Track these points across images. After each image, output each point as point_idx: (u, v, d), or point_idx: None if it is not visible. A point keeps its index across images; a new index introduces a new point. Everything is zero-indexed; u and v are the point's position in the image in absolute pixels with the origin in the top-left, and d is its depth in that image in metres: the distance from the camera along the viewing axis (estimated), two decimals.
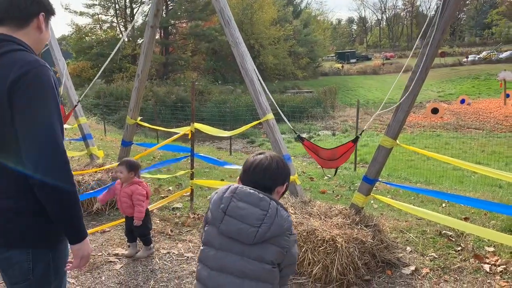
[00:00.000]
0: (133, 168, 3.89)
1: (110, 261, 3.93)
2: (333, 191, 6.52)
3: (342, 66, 52.61)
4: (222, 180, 7.11)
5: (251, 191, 1.77)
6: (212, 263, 1.78)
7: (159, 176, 6.37)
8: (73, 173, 5.28)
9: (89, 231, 4.49)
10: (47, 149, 1.57)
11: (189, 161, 5.39)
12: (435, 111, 20.78)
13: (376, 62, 55.27)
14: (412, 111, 23.81)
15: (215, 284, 1.76)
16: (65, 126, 7.66)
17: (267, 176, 1.81)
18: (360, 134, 4.07)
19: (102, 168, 5.61)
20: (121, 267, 3.83)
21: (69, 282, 3.48)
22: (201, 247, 1.85)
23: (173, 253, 4.14)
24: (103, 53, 31.80)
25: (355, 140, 3.92)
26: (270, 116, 4.39)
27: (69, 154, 7.28)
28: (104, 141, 13.24)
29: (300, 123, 21.32)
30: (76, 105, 6.06)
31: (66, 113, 6.07)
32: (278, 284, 1.82)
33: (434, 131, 17.80)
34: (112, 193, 4.06)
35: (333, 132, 19.29)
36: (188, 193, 5.62)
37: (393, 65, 49.97)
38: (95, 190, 5.02)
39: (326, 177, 6.52)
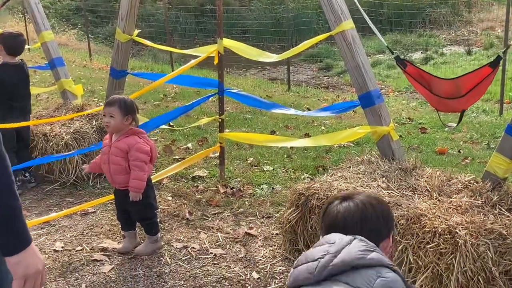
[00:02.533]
0: (130, 110, 3.97)
1: (95, 260, 4.14)
2: (459, 151, 6.40)
3: None
4: (273, 132, 7.15)
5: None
6: None
7: (170, 125, 6.50)
8: (38, 121, 5.52)
9: (64, 212, 4.71)
10: None
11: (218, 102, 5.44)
12: None
13: None
14: None
15: None
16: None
17: (366, 230, 2.01)
18: (504, 52, 3.89)
19: (80, 113, 5.80)
20: (111, 269, 4.01)
21: None
22: None
23: (193, 248, 4.29)
24: None
25: (494, 63, 3.77)
26: (348, 24, 4.28)
27: (33, 90, 7.60)
28: (89, 69, 13.67)
29: (410, 35, 20.69)
30: None
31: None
32: None
33: None
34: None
35: (468, 48, 18.58)
36: (217, 154, 5.73)
37: None
38: (78, 150, 5.19)
39: (446, 128, 6.36)
